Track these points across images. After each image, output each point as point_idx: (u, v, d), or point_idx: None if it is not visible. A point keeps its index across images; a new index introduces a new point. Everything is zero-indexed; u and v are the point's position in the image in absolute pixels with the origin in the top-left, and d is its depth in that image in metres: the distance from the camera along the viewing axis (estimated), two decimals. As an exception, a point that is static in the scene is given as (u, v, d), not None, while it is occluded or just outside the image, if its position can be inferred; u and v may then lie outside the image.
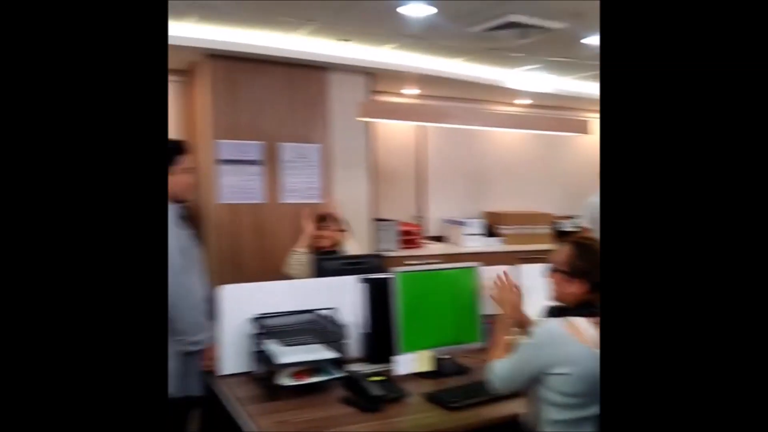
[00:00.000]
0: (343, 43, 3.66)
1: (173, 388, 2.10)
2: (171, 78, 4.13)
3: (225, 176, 3.71)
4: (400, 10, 3.06)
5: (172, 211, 2.17)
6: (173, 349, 2.10)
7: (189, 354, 2.14)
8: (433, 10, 3.05)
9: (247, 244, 3.79)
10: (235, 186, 3.74)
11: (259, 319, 2.03)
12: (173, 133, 3.99)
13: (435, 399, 1.85)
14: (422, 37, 3.56)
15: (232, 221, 3.75)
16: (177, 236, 2.15)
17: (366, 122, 4.15)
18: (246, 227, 3.79)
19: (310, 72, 3.93)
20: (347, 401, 1.84)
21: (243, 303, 2.10)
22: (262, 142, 3.81)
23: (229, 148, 3.71)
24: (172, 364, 2.10)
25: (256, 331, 2.02)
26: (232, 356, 2.10)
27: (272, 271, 3.78)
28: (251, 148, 3.79)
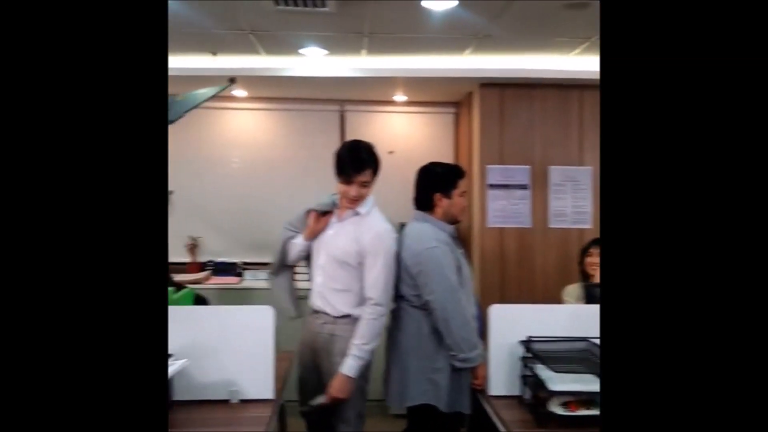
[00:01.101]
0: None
1: (444, 404, 2.18)
2: (446, 110, 4.44)
3: (492, 200, 3.80)
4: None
5: (448, 230, 2.29)
6: (445, 363, 2.19)
7: (459, 371, 2.18)
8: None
9: (511, 268, 3.80)
10: (502, 210, 3.80)
11: (528, 342, 2.00)
12: (450, 159, 4.26)
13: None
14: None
15: (498, 245, 3.81)
16: (452, 254, 2.24)
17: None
18: (511, 251, 3.81)
19: (583, 92, 3.80)
20: (625, 442, 1.68)
21: (511, 324, 2.10)
22: (530, 166, 3.81)
23: (496, 172, 3.80)
24: (444, 379, 2.18)
25: (524, 354, 1.99)
26: (500, 377, 2.10)
27: (535, 297, 3.72)
28: (518, 173, 3.81)
